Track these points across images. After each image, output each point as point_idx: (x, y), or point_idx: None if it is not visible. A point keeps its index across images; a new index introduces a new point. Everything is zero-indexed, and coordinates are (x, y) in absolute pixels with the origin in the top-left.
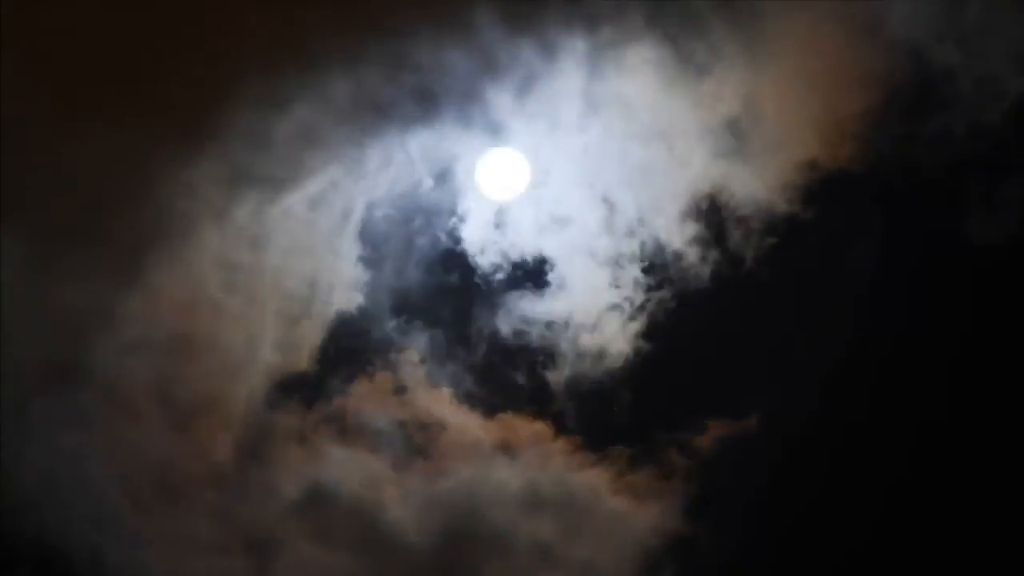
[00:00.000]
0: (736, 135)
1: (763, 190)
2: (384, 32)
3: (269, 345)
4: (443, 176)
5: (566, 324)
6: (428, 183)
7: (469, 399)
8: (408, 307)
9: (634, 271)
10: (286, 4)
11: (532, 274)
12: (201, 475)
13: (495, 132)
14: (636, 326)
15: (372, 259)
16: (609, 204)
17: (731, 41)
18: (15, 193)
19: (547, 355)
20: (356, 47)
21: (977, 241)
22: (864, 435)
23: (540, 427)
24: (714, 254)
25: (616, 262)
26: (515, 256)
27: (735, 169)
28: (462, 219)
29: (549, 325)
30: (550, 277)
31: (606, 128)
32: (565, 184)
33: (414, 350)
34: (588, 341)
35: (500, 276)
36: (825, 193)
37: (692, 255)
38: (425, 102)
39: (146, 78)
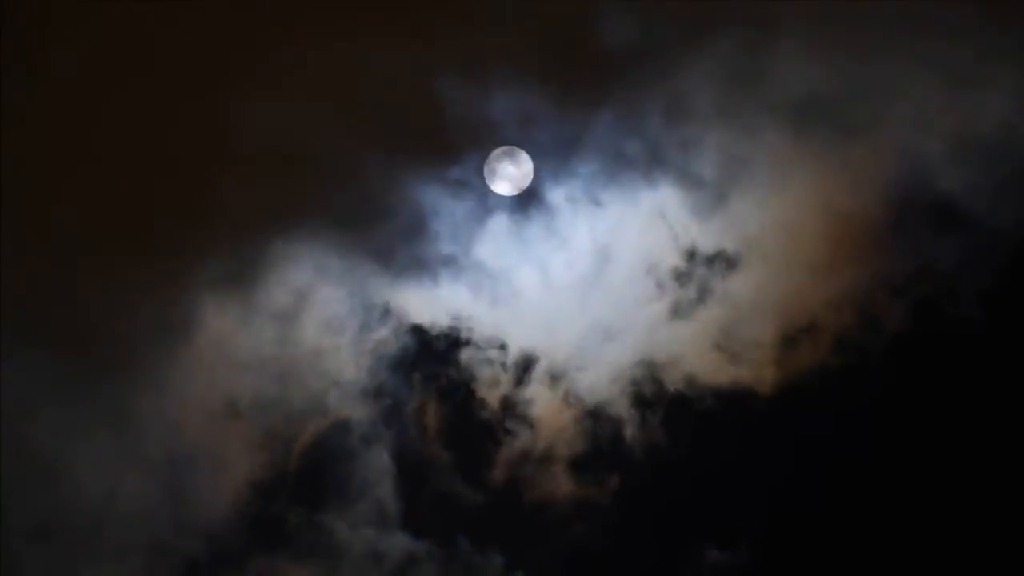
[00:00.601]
0: (725, 336)
1: (744, 385)
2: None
3: (248, 485)
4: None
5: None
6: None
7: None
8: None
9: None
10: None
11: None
12: None
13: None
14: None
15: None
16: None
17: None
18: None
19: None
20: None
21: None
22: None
23: (498, 561)
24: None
25: (590, 462)
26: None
27: (715, 367)
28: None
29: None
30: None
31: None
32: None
33: (378, 484)
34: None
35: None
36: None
37: (663, 450)
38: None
39: (138, 237)
